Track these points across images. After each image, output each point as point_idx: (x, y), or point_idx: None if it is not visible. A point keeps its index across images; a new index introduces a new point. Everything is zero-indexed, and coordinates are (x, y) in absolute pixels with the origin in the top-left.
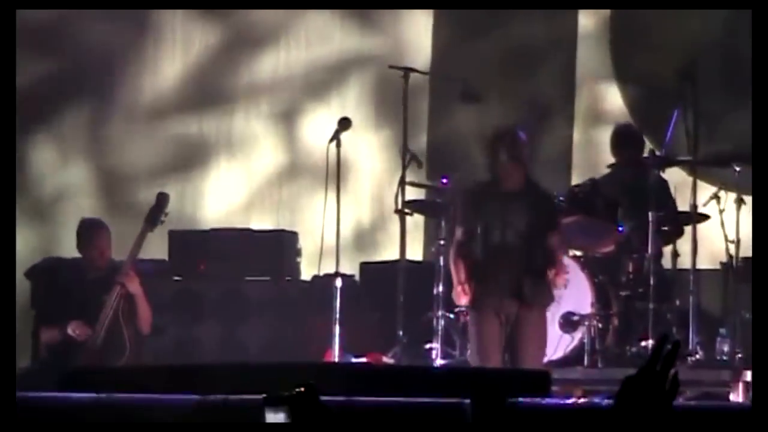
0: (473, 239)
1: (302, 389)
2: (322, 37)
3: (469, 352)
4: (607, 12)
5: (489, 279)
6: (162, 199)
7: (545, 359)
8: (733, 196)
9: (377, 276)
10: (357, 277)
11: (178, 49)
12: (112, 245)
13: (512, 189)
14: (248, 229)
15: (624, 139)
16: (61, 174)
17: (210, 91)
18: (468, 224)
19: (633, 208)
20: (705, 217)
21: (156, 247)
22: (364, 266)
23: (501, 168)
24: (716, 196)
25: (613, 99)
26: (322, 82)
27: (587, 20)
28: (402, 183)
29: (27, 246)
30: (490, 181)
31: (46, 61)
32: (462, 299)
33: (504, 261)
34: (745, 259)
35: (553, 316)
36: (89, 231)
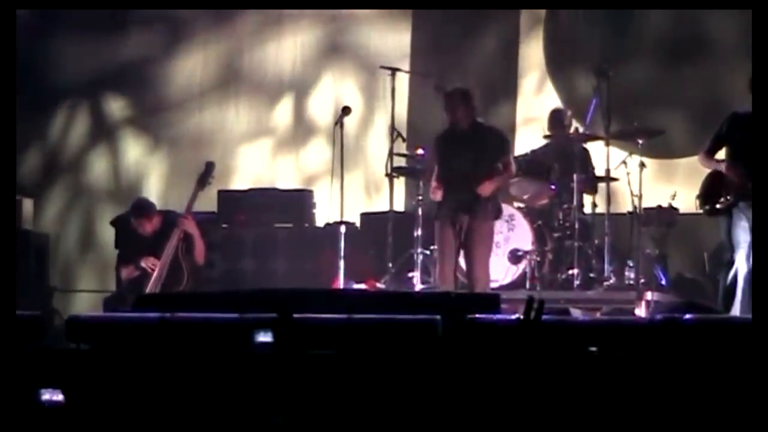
0: (442, 168)
1: (279, 317)
2: (332, 42)
3: (435, 254)
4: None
5: (448, 197)
6: (209, 166)
7: (497, 284)
8: (637, 160)
9: (372, 223)
10: (357, 224)
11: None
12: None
13: (464, 129)
14: (276, 189)
15: (556, 119)
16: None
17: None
18: (438, 158)
19: (562, 171)
20: (615, 179)
21: (207, 203)
22: (363, 216)
23: (455, 113)
24: (624, 162)
25: (548, 87)
26: (331, 78)
27: (526, 24)
28: (390, 154)
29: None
30: (449, 126)
31: None
32: (438, 195)
33: (459, 184)
34: (646, 208)
35: (503, 252)
36: (136, 215)
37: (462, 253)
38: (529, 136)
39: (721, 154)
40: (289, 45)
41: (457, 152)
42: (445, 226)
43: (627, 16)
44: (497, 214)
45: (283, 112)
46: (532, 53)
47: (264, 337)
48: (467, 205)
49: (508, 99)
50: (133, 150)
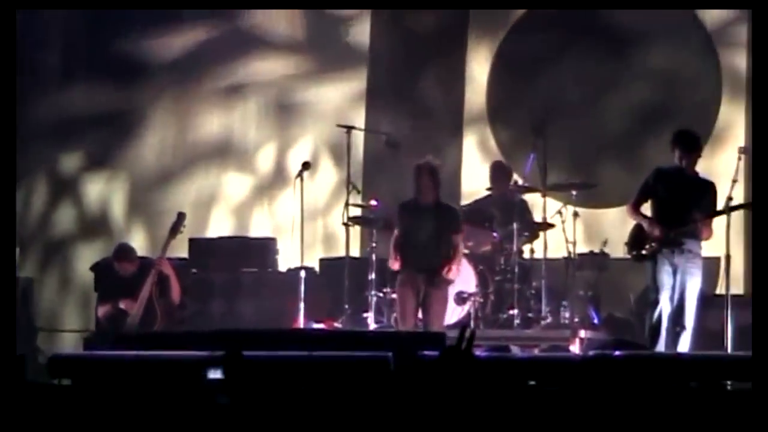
0: (403, 236)
1: (230, 355)
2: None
3: (394, 315)
4: (484, 78)
5: (409, 265)
6: (181, 216)
7: (444, 324)
8: (571, 210)
9: (330, 268)
10: (317, 269)
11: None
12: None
13: (427, 204)
14: (242, 237)
15: (497, 172)
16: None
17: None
18: (400, 227)
19: (503, 220)
20: (551, 226)
21: (178, 249)
22: (322, 261)
23: (422, 188)
24: (559, 212)
25: (489, 141)
26: (291, 133)
27: (471, 81)
28: (346, 204)
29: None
30: (414, 198)
31: None
32: (395, 265)
33: (419, 253)
34: (579, 254)
35: (450, 294)
36: (117, 257)
37: (420, 311)
38: (472, 186)
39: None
40: (251, 107)
41: (420, 225)
42: (405, 290)
43: (562, 77)
44: (449, 283)
45: (259, 165)
46: (476, 108)
47: (215, 374)
48: (426, 273)
49: (453, 151)
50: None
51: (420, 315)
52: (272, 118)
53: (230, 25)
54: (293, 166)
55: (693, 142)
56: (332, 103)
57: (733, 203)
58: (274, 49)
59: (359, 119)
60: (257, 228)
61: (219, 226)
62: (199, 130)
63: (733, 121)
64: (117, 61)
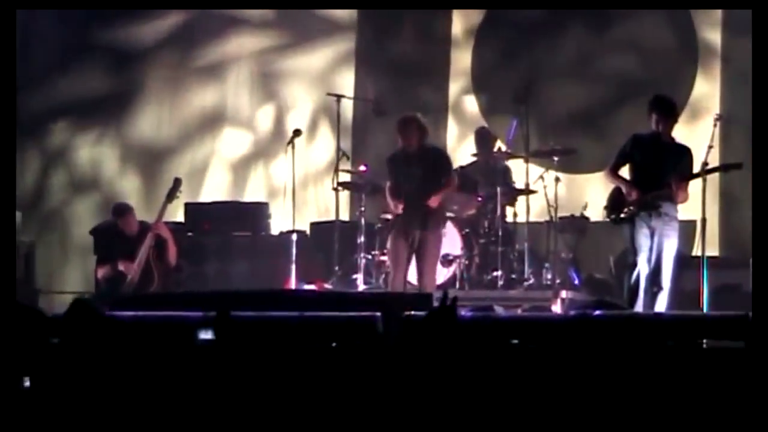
0: (395, 186)
1: (218, 316)
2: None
3: (383, 276)
4: (469, 54)
5: (402, 213)
6: (177, 181)
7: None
8: (553, 175)
9: (321, 231)
10: (308, 232)
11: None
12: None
13: (413, 152)
14: (236, 201)
15: (481, 139)
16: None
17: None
18: (391, 177)
19: (487, 185)
20: (534, 192)
21: (174, 213)
22: (313, 225)
23: (409, 138)
24: (541, 177)
25: (474, 108)
26: (283, 103)
27: (456, 52)
28: (336, 170)
29: (92, 212)
30: (401, 148)
31: None
32: (399, 208)
33: (410, 200)
34: (561, 217)
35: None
36: (117, 214)
37: (414, 260)
38: (459, 152)
39: (624, 170)
40: (243, 79)
41: (409, 172)
42: (398, 238)
43: (545, 47)
44: (443, 223)
45: (253, 132)
46: (461, 78)
47: (205, 335)
48: (419, 219)
49: (439, 119)
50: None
51: (414, 262)
52: (263, 88)
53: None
54: (287, 132)
55: (669, 108)
56: (320, 71)
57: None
58: (254, 26)
59: (347, 85)
60: (252, 193)
61: (215, 191)
62: (192, 103)
63: (709, 92)
64: (106, 48)
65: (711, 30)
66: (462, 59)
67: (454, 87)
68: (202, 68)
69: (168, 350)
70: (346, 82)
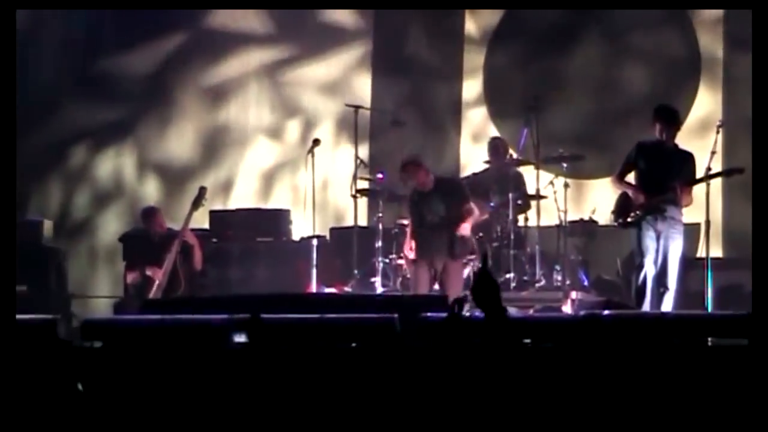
0: (415, 223)
1: (251, 319)
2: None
3: (399, 279)
4: (480, 71)
5: (424, 245)
6: (202, 190)
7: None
8: (562, 181)
9: (340, 236)
10: (328, 238)
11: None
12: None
13: (428, 189)
14: (258, 208)
15: (494, 148)
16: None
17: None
18: (411, 216)
19: (500, 191)
20: (544, 196)
21: (199, 221)
22: (332, 230)
23: (417, 180)
24: (551, 183)
25: (485, 121)
26: (304, 114)
27: (468, 68)
28: (354, 178)
29: (122, 220)
30: (415, 188)
31: None
32: (411, 255)
33: (432, 233)
34: (570, 221)
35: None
36: (146, 216)
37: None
38: (471, 161)
39: (630, 176)
40: (264, 92)
41: (429, 209)
42: (421, 268)
43: (554, 58)
44: (471, 251)
45: (267, 142)
46: (473, 91)
47: (239, 338)
48: (444, 249)
49: (453, 129)
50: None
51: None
52: (283, 100)
53: (206, 27)
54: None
55: (672, 116)
56: (337, 80)
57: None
58: (262, 41)
59: (365, 90)
60: (277, 200)
61: (241, 199)
62: (216, 118)
63: (712, 100)
64: (117, 74)
65: (713, 43)
66: (475, 63)
67: (468, 91)
68: (219, 85)
69: (203, 352)
70: (363, 88)
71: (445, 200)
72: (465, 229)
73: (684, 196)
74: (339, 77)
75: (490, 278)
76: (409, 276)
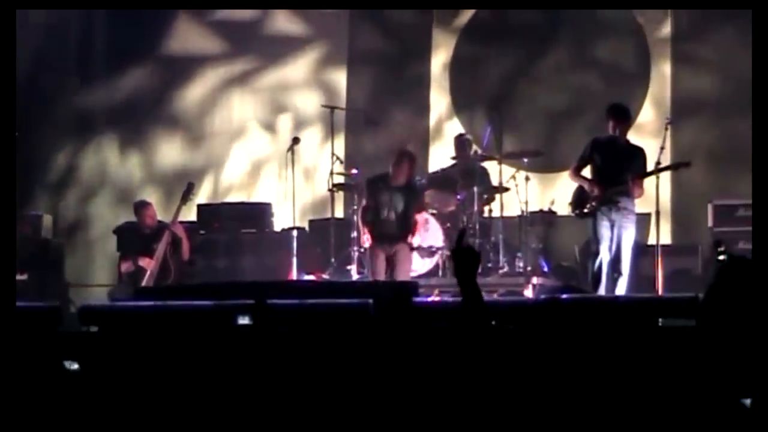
0: (371, 211)
1: (257, 303)
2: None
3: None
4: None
5: (379, 238)
6: (190, 185)
7: (416, 274)
8: (523, 175)
9: (318, 227)
10: (307, 229)
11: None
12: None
13: (398, 184)
14: (243, 202)
15: (460, 144)
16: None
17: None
18: (369, 201)
19: (465, 184)
20: (507, 189)
21: (187, 214)
22: (311, 222)
23: (398, 170)
24: (513, 177)
25: (452, 119)
26: (284, 113)
27: (436, 68)
28: (331, 173)
29: (115, 214)
30: (384, 175)
31: None
32: (366, 243)
33: (389, 227)
34: (531, 212)
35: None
36: (138, 209)
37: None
38: (440, 155)
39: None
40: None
41: (389, 200)
42: (377, 255)
43: (515, 61)
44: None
45: (249, 140)
46: (441, 91)
47: (243, 320)
48: (396, 242)
49: (421, 127)
50: (128, 169)
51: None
52: (267, 104)
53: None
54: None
55: (624, 113)
56: (315, 80)
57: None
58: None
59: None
60: (262, 194)
61: (227, 193)
62: (203, 123)
63: (661, 98)
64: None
65: (662, 58)
66: (441, 65)
67: (435, 95)
68: (219, 86)
69: (211, 333)
70: (339, 84)
71: (405, 200)
72: (416, 241)
73: (636, 188)
74: (317, 78)
75: (473, 253)
76: None
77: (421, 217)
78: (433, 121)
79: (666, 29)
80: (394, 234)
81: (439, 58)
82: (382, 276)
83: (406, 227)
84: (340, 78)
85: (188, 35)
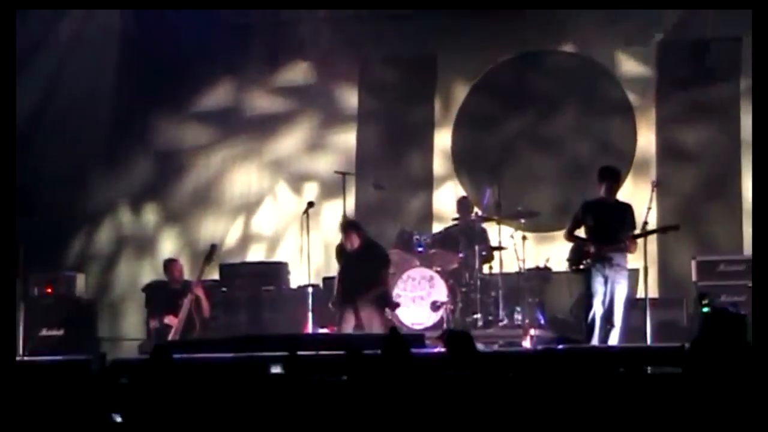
0: (340, 275)
1: (289, 354)
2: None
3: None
4: (449, 138)
5: (347, 298)
6: (213, 247)
7: (422, 327)
8: (521, 234)
9: (331, 284)
10: (321, 285)
11: None
12: (186, 270)
13: (353, 251)
14: (261, 261)
15: (461, 206)
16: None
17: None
18: (339, 266)
19: (467, 243)
20: (505, 248)
21: (211, 273)
22: (325, 279)
23: (346, 238)
24: (511, 236)
25: (455, 181)
26: (300, 181)
27: (438, 140)
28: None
29: (144, 273)
30: (342, 244)
31: None
32: (332, 308)
33: (351, 289)
34: (528, 269)
35: (426, 303)
36: (168, 265)
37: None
38: (442, 217)
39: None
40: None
41: (350, 267)
42: (341, 314)
43: (511, 130)
44: (385, 303)
45: (268, 204)
46: (443, 161)
47: (275, 369)
48: (358, 300)
49: (425, 190)
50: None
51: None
52: (282, 174)
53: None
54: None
55: (615, 175)
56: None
57: (649, 227)
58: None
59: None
60: (282, 254)
61: (250, 253)
62: (231, 184)
63: (648, 160)
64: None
65: (648, 143)
66: (443, 135)
67: (438, 159)
68: (233, 157)
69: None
70: (346, 145)
71: (364, 262)
72: (368, 298)
73: (631, 245)
74: (332, 149)
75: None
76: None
77: (387, 274)
78: (434, 182)
79: (652, 116)
80: (356, 293)
81: (442, 124)
82: (349, 331)
83: (368, 287)
84: (343, 139)
85: (176, 130)
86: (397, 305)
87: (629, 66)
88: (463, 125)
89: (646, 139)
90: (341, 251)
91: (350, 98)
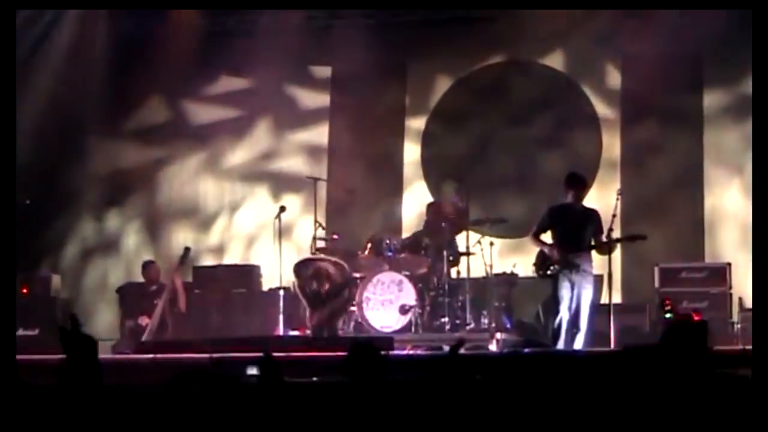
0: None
1: (265, 357)
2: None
3: (352, 322)
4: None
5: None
6: (187, 250)
7: (391, 330)
8: (488, 240)
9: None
10: (292, 288)
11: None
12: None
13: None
14: (234, 264)
15: (430, 211)
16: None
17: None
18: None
19: (436, 248)
20: (473, 254)
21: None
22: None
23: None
24: (479, 242)
25: (424, 189)
26: (273, 185)
27: (408, 144)
28: (314, 238)
29: (117, 274)
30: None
31: None
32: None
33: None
34: (495, 274)
35: (395, 307)
36: (146, 267)
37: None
38: (412, 223)
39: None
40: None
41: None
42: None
43: (479, 136)
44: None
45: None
46: (412, 165)
47: (251, 371)
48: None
49: (395, 196)
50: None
51: None
52: (257, 179)
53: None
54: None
55: (581, 182)
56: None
57: (614, 234)
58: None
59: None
60: (256, 256)
61: (224, 255)
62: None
63: (612, 168)
64: None
65: (613, 148)
66: (413, 142)
67: (408, 170)
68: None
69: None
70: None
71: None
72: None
73: (597, 249)
74: (303, 153)
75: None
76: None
77: (398, 276)
78: (405, 189)
79: (617, 137)
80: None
81: (414, 123)
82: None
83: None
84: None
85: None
86: None
87: (601, 76)
88: (433, 129)
89: (612, 148)
90: None
91: (319, 100)
